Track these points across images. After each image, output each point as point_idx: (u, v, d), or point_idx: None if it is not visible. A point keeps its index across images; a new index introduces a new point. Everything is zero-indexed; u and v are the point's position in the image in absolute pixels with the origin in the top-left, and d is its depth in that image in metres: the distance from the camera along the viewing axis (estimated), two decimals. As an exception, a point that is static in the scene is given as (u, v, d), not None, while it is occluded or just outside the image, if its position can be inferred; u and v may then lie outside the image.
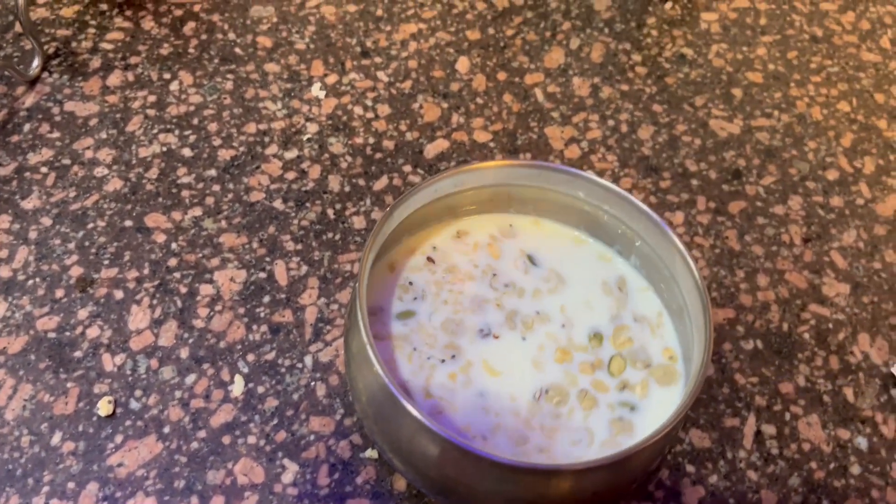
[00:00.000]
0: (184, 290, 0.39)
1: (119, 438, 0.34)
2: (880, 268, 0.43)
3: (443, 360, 0.32)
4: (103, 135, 0.44)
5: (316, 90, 0.47)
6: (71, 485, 0.33)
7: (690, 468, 0.36)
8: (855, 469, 0.36)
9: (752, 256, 0.43)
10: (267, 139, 0.45)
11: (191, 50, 0.48)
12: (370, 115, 0.46)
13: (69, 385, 0.36)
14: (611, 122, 0.48)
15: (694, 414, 0.37)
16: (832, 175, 0.47)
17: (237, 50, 0.48)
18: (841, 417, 0.38)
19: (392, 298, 0.34)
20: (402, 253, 0.35)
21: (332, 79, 0.48)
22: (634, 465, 0.31)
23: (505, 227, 0.37)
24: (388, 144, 0.45)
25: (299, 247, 0.41)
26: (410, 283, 0.34)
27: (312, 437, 0.35)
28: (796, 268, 0.43)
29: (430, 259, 0.35)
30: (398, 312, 0.34)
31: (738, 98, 0.50)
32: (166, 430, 0.35)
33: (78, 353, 0.37)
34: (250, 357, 0.37)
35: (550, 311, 0.34)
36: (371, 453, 0.35)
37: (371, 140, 0.45)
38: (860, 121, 0.49)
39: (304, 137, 0.45)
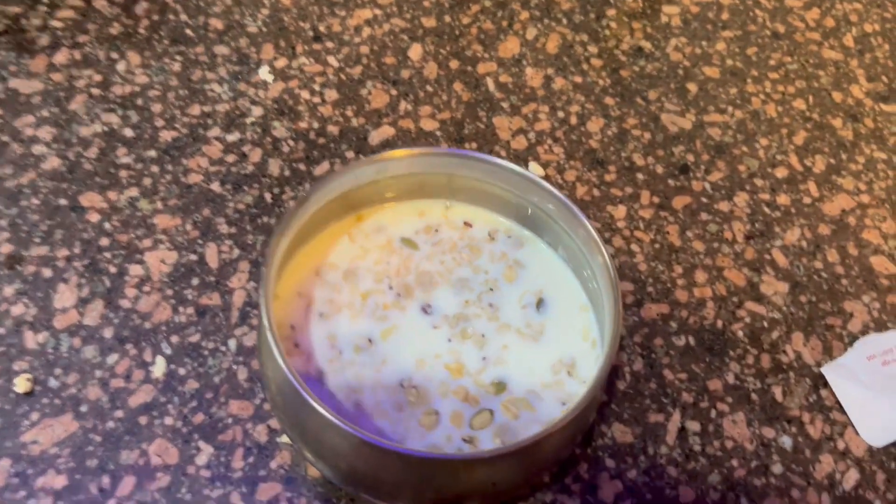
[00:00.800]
0: (113, 270, 0.39)
1: (35, 416, 0.35)
2: (821, 267, 0.43)
3: (359, 347, 0.32)
4: (45, 113, 0.44)
5: (264, 73, 0.47)
6: (-17, 460, 0.33)
7: (610, 462, 0.36)
8: (777, 468, 0.36)
9: (692, 252, 0.43)
10: (210, 122, 0.45)
11: (141, 30, 0.48)
12: (317, 99, 0.46)
13: (-10, 361, 0.36)
14: (560, 114, 0.47)
15: (618, 408, 0.37)
16: (781, 173, 0.46)
17: (188, 31, 0.48)
18: (767, 416, 0.38)
19: (314, 287, 0.34)
20: (323, 241, 0.35)
21: (281, 63, 0.48)
22: (544, 452, 0.31)
23: (435, 214, 0.37)
24: (333, 130, 0.45)
25: (233, 230, 0.41)
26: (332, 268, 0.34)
27: (230, 421, 0.35)
28: (736, 265, 0.42)
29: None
30: (322, 300, 0.34)
31: (692, 93, 0.49)
32: (83, 408, 0.35)
33: (0, 331, 0.37)
34: (174, 339, 0.37)
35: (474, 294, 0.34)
36: (286, 439, 0.35)
37: (315, 125, 0.45)
38: (815, 119, 0.49)
39: (248, 121, 0.45)
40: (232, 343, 0.37)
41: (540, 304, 0.34)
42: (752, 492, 0.35)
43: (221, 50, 0.48)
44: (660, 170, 0.46)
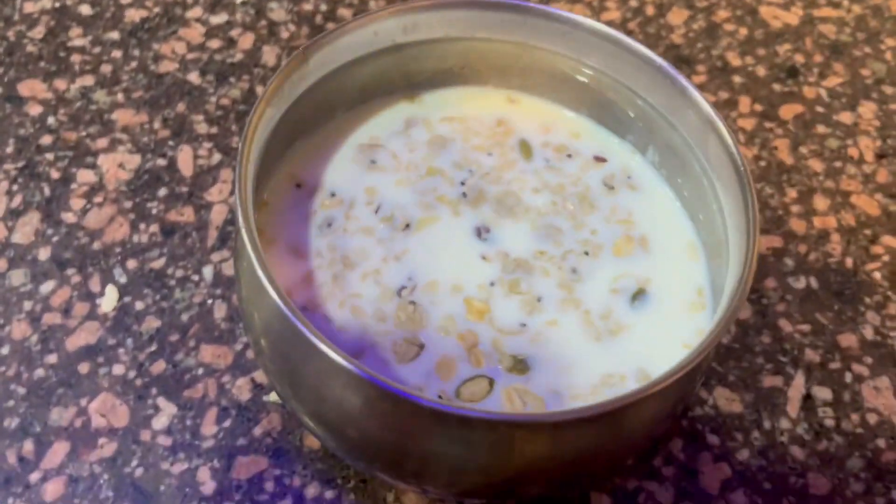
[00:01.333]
0: (56, 175, 0.30)
1: (-62, 359, 0.26)
2: (977, 195, 0.33)
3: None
4: (-18, -16, 0.35)
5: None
6: None
7: (713, 439, 0.26)
8: (940, 453, 0.27)
9: (809, 173, 0.33)
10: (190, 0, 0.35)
11: None
12: (327, -21, 0.37)
13: None
14: (633, 2, 0.37)
15: (722, 369, 0.28)
16: (916, 79, 0.36)
17: None
18: (919, 384, 0.28)
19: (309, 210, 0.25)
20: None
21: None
22: (633, 424, 0.21)
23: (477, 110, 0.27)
24: (345, 13, 0.36)
25: (214, 130, 0.31)
26: (332, 195, 0.25)
27: (201, 372, 0.26)
28: (866, 190, 0.33)
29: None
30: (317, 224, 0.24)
31: (797, -18, 0.39)
32: (4, 350, 0.26)
33: None
34: (131, 263, 0.28)
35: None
36: (275, 397, 0.26)
37: (323, 7, 0.36)
38: (953, 16, 0.39)
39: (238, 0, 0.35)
40: (207, 271, 0.28)
41: (637, 296, 0.24)
42: (891, 474, 0.26)
43: (209, -81, 0.38)
44: (762, 72, 0.36)
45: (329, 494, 0.24)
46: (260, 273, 0.19)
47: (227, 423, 0.25)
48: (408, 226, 0.24)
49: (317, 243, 0.24)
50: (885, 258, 0.31)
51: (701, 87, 0.35)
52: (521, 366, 0.23)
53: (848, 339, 0.29)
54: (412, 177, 0.25)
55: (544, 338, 0.23)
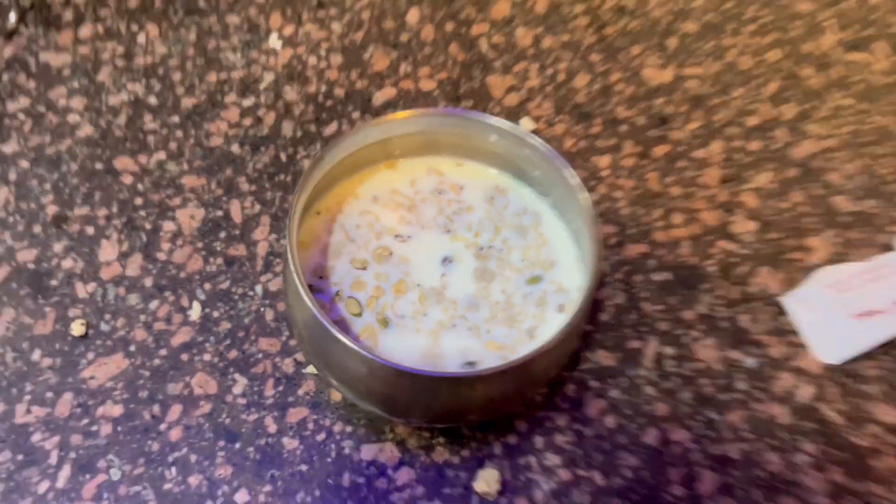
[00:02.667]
0: (148, 226, 0.43)
1: (91, 355, 0.40)
2: (788, 207, 0.47)
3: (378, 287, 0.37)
4: (76, 84, 0.48)
5: (273, 41, 0.51)
6: (49, 394, 0.38)
7: (594, 384, 0.41)
8: (741, 385, 0.41)
9: (670, 197, 0.47)
10: (227, 88, 0.48)
11: (157, 3, 0.51)
12: (323, 64, 0.50)
13: (47, 310, 0.41)
14: (549, 72, 0.51)
15: (602, 337, 0.42)
16: (753, 121, 0.50)
17: (201, 2, 0.52)
18: (734, 341, 0.42)
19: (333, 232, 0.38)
20: (337, 196, 0.40)
21: (288, 30, 0.51)
22: (535, 372, 0.35)
23: (433, 168, 0.41)
24: (339, 92, 0.49)
25: (253, 188, 0.45)
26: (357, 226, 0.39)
27: (260, 356, 0.40)
28: (710, 207, 0.47)
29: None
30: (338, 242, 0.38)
31: (672, 47, 0.53)
32: (132, 348, 0.40)
33: (54, 282, 0.41)
34: (207, 286, 0.42)
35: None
36: (311, 369, 0.40)
37: (323, 88, 0.49)
38: (786, 69, 0.52)
39: (261, 86, 0.49)
40: (258, 288, 0.42)
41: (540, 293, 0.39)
42: (719, 405, 0.40)
43: (233, 20, 0.51)
44: (641, 121, 0.50)
45: (349, 429, 0.39)
46: (301, 289, 0.33)
47: (280, 388, 0.39)
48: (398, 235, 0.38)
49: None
50: (719, 256, 0.45)
51: (596, 137, 0.49)
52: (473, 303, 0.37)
53: (688, 314, 0.43)
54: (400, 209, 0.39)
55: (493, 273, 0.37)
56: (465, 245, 0.39)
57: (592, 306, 0.42)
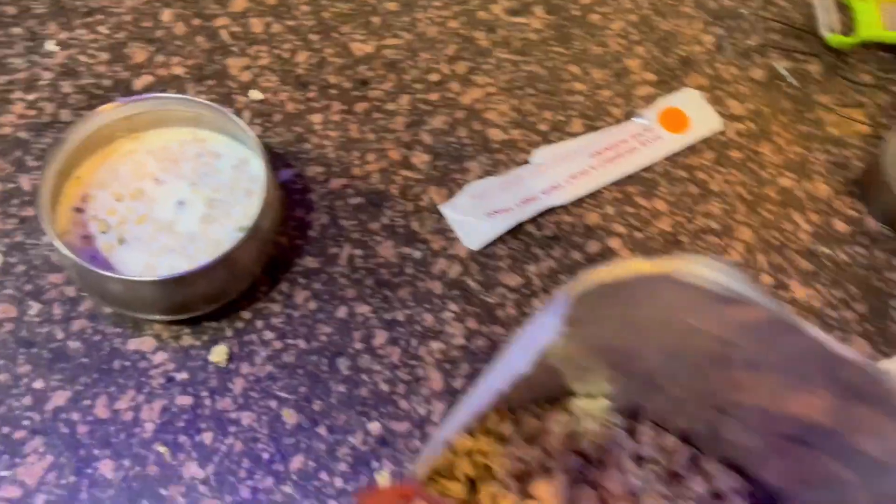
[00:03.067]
0: (-44, 200, 0.57)
1: None
2: (454, 141, 0.63)
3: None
4: None
5: (51, 46, 0.64)
6: None
7: (302, 280, 0.57)
8: (409, 270, 0.58)
9: (367, 141, 0.63)
10: (14, 87, 0.61)
11: (-49, 21, 0.63)
12: (93, 61, 0.63)
13: None
14: (276, 52, 0.66)
15: (310, 248, 0.58)
16: (434, 77, 0.66)
17: (-12, 18, 0.64)
18: (406, 240, 0.59)
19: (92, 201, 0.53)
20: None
21: (63, 36, 0.64)
22: (239, 266, 0.51)
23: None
24: (107, 83, 0.63)
25: (38, 164, 0.59)
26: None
27: (49, 286, 0.54)
28: (396, 146, 0.63)
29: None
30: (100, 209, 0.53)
31: (376, 24, 0.68)
32: None
33: None
34: (6, 240, 0.56)
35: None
36: (86, 293, 0.54)
37: (93, 80, 0.63)
38: (463, 34, 0.68)
39: (42, 83, 0.62)
40: (45, 238, 0.56)
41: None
42: (392, 286, 0.57)
43: (16, 30, 0.64)
44: (347, 85, 0.65)
45: (118, 331, 0.53)
46: (55, 242, 0.48)
47: (65, 308, 0.54)
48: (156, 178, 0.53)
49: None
50: (400, 182, 0.61)
51: (311, 101, 0.64)
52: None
53: (374, 226, 0.59)
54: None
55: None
56: (201, 196, 0.54)
57: (302, 225, 0.58)
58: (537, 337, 0.27)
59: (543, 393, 0.40)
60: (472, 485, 0.37)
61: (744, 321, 0.28)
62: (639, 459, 0.39)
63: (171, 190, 0.54)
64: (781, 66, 0.70)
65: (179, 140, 0.56)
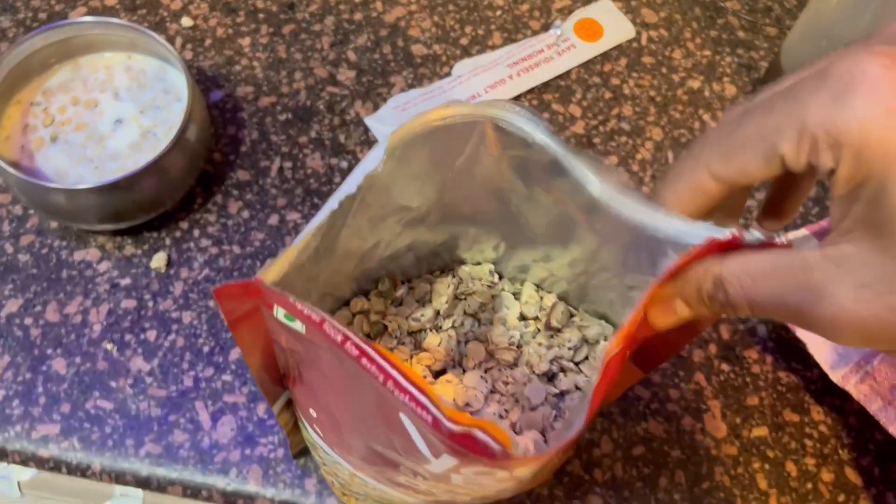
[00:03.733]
0: None
1: None
2: (378, 58, 0.67)
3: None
4: None
5: (-13, -18, 0.66)
6: None
7: (235, 192, 0.61)
8: (337, 179, 0.62)
9: (294, 61, 0.66)
10: (-47, 23, 0.64)
11: None
12: (29, -4, 0.66)
13: None
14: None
15: (241, 162, 0.62)
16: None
17: (-75, -42, 0.67)
18: (334, 151, 0.63)
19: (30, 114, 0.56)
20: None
21: (-2, -28, 0.67)
22: (171, 174, 0.55)
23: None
24: (42, 16, 0.66)
25: (-19, 94, 0.62)
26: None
27: (-2, 206, 0.58)
28: (322, 65, 0.66)
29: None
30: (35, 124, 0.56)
31: (301, -50, 0.71)
32: None
33: None
34: (-47, 166, 0.59)
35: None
36: (32, 211, 0.58)
37: (30, 14, 0.65)
38: (386, -43, 0.71)
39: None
40: (-9, 163, 0.60)
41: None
42: (321, 194, 0.61)
43: (-48, -31, 0.66)
44: (274, 9, 0.68)
45: (64, 244, 0.57)
46: (2, 165, 0.51)
47: (13, 225, 0.58)
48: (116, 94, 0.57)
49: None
50: (326, 98, 0.65)
51: (240, 25, 0.67)
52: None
53: (303, 139, 0.63)
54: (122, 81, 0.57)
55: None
56: (138, 120, 0.57)
57: (235, 141, 0.62)
58: (366, 166, 0.31)
59: (437, 265, 0.44)
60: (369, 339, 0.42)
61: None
62: (522, 318, 0.44)
63: (107, 110, 0.57)
64: (693, -26, 0.73)
65: (107, 66, 0.59)
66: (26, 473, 0.81)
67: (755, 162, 0.26)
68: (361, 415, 0.29)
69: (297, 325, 0.26)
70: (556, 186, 0.33)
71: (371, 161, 0.31)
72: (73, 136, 0.56)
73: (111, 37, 0.58)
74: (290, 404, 0.38)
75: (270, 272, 0.29)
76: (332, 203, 0.31)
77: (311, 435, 0.37)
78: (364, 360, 0.25)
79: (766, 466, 0.53)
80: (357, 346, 0.25)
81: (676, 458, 0.53)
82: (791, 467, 0.53)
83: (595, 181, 0.31)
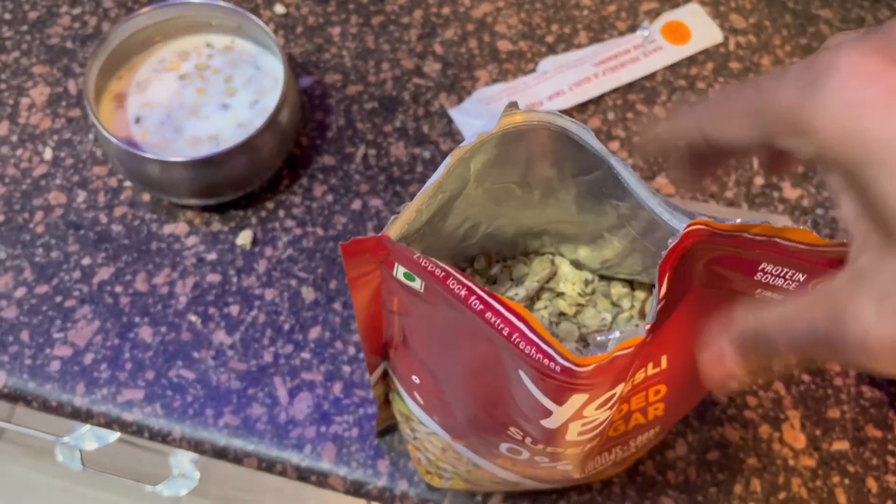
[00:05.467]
0: (11, 101, 0.63)
1: (-21, 187, 0.60)
2: (465, 52, 0.67)
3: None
4: (-52, 8, 0.66)
5: (93, -36, 0.69)
6: None
7: (321, 175, 0.62)
8: (420, 169, 0.62)
9: (382, 52, 0.67)
10: (60, 1, 0.67)
11: (3, -57, 0.69)
12: (131, -21, 0.69)
13: (-54, 161, 0.60)
14: (300, -30, 0.70)
15: (327, 147, 0.63)
16: (447, -7, 0.70)
17: (37, -60, 0.70)
18: (418, 141, 0.63)
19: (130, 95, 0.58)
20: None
21: (104, -45, 0.69)
22: (256, 157, 0.56)
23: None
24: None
25: (83, 69, 0.64)
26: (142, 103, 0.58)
27: (94, 178, 0.60)
28: (409, 56, 0.67)
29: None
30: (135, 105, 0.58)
31: (393, -56, 0.72)
32: (6, 180, 0.60)
33: (-52, 143, 0.61)
34: (55, 137, 0.62)
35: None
36: (128, 183, 0.60)
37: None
38: (476, -47, 0.72)
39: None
40: (91, 135, 0.62)
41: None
42: (403, 182, 0.62)
43: (61, -49, 0.69)
44: (364, 0, 0.69)
45: (155, 216, 0.59)
46: (101, 129, 0.53)
47: (108, 196, 0.60)
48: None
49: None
50: (412, 88, 0.66)
51: (331, 14, 0.68)
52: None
53: (387, 128, 0.64)
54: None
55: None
56: (233, 100, 0.59)
57: (321, 127, 0.63)
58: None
59: (532, 248, 0.44)
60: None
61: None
62: (614, 304, 0.43)
63: (205, 89, 0.59)
64: (785, -19, 0.72)
65: (208, 44, 0.61)
66: (92, 443, 0.84)
67: (739, 133, 0.27)
68: (475, 374, 0.29)
69: (416, 284, 0.27)
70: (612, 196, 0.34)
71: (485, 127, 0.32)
72: (171, 111, 0.58)
73: (214, 19, 0.60)
74: (385, 376, 0.38)
75: (393, 229, 0.30)
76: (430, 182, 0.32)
77: (408, 404, 0.37)
78: (489, 314, 0.25)
79: (846, 481, 0.52)
80: (482, 300, 0.25)
81: (752, 466, 0.52)
82: (872, 484, 0.52)
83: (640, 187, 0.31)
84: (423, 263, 0.26)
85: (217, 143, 0.57)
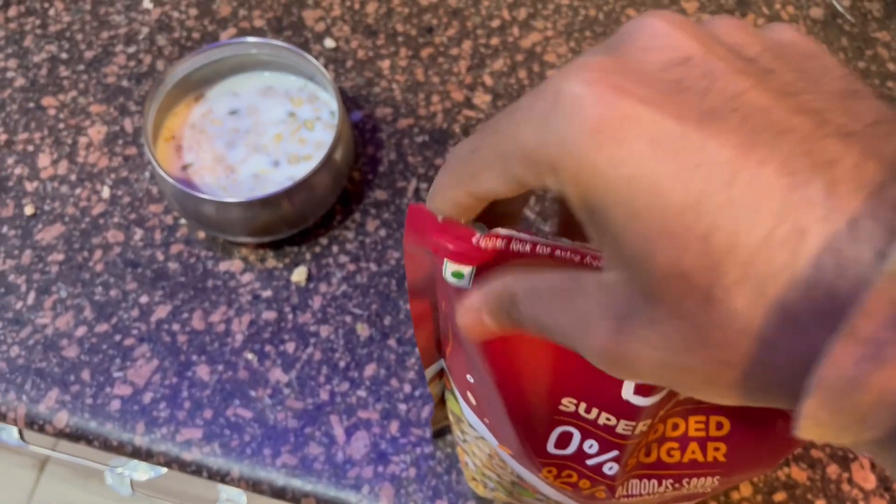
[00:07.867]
0: (70, 141, 0.64)
1: (40, 226, 0.61)
2: (514, 83, 0.67)
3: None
4: (9, 50, 0.67)
5: (147, 3, 0.70)
6: (16, 251, 0.60)
7: (373, 210, 0.62)
8: (471, 202, 0.62)
9: (431, 84, 0.67)
10: (115, 41, 0.68)
11: (60, -16, 0.71)
12: (184, 16, 0.70)
13: (8, 201, 0.61)
14: (347, 3, 0.71)
15: (380, 182, 0.63)
16: (495, 24, 0.70)
17: (92, -20, 0.71)
18: (469, 175, 0.63)
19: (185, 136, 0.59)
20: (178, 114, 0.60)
21: (157, -6, 0.71)
22: (316, 191, 0.56)
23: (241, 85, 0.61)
24: (196, 35, 0.69)
25: (139, 108, 0.65)
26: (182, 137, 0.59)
27: (150, 215, 0.61)
28: (459, 88, 0.67)
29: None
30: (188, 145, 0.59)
31: (440, -25, 0.72)
32: (66, 219, 0.61)
33: (10, 183, 0.62)
34: (113, 175, 0.63)
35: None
36: (183, 220, 0.61)
37: (184, 34, 0.69)
38: (523, -18, 0.72)
39: (140, 37, 0.68)
40: (146, 173, 0.63)
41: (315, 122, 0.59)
42: (455, 216, 0.61)
43: (116, -10, 0.71)
44: (413, 33, 0.69)
45: (210, 254, 0.60)
46: (158, 170, 0.54)
47: (164, 234, 0.60)
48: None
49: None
50: (462, 121, 0.65)
51: (380, 47, 0.68)
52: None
53: (439, 161, 0.64)
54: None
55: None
56: (286, 138, 0.60)
57: (373, 161, 0.63)
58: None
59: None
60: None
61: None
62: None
63: (259, 127, 0.60)
64: (840, 4, 0.71)
65: (261, 83, 0.61)
66: (144, 474, 0.84)
67: (497, 183, 0.25)
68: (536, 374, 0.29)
69: (464, 282, 0.27)
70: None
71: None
72: (225, 150, 0.59)
73: (265, 56, 0.60)
74: (441, 374, 0.38)
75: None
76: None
77: (461, 405, 0.37)
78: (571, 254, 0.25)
79: (922, 525, 0.50)
80: (558, 248, 0.26)
81: (822, 508, 0.51)
82: (949, 528, 0.50)
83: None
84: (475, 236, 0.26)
85: (272, 178, 0.58)
